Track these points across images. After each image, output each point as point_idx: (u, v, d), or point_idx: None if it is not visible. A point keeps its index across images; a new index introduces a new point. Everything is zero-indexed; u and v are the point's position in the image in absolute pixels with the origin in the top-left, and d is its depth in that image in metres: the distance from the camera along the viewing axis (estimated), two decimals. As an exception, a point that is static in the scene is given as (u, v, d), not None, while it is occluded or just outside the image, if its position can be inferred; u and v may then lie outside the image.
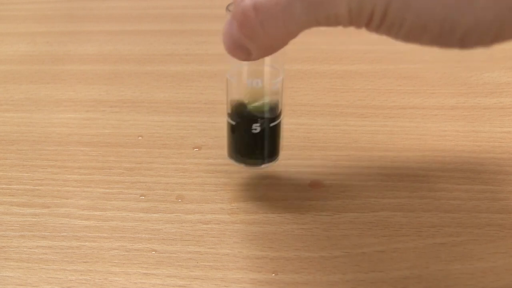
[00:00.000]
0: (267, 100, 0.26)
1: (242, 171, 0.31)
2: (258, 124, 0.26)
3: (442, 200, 0.29)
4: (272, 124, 0.27)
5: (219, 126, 0.35)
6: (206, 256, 0.26)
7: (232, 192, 0.30)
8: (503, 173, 0.30)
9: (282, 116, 0.27)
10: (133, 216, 0.28)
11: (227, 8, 0.24)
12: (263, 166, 0.28)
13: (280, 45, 0.20)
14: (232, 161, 0.28)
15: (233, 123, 0.27)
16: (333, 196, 0.29)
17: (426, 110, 0.36)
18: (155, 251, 0.27)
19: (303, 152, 0.32)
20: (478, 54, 0.41)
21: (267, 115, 0.26)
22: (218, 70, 0.41)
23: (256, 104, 0.26)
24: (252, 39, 0.19)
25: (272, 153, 0.28)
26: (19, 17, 0.51)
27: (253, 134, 0.26)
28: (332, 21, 0.17)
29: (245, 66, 0.25)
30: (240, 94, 0.26)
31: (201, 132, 0.34)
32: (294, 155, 0.32)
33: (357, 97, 0.37)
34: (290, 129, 0.33)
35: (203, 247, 0.27)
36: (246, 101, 0.26)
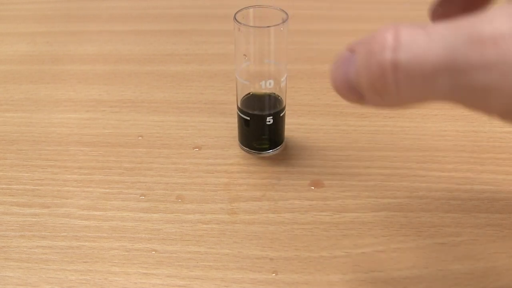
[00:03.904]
0: (276, 95, 0.30)
1: (242, 171, 0.31)
2: (271, 117, 0.30)
3: (442, 200, 0.29)
4: (281, 115, 0.31)
5: (219, 126, 0.35)
6: (206, 256, 0.26)
7: (232, 192, 0.30)
8: (503, 173, 0.30)
9: (286, 108, 0.31)
10: (133, 216, 0.28)
11: (234, 18, 0.26)
12: (271, 151, 0.32)
13: (405, 107, 0.17)
14: (245, 149, 0.32)
15: (248, 118, 0.30)
16: (333, 196, 0.29)
17: (426, 110, 0.36)
18: (155, 251, 0.27)
19: (303, 152, 0.32)
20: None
21: (277, 108, 0.30)
22: (218, 70, 0.41)
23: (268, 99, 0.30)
24: (379, 95, 0.16)
25: (281, 137, 0.32)
26: (19, 17, 0.51)
27: (268, 125, 0.31)
28: (478, 107, 0.15)
29: (252, 66, 0.29)
30: (251, 91, 0.30)
31: (201, 132, 0.34)
32: (294, 155, 0.32)
33: (357, 97, 0.37)
34: (291, 129, 0.33)
35: (203, 247, 0.27)
36: (259, 97, 0.30)
